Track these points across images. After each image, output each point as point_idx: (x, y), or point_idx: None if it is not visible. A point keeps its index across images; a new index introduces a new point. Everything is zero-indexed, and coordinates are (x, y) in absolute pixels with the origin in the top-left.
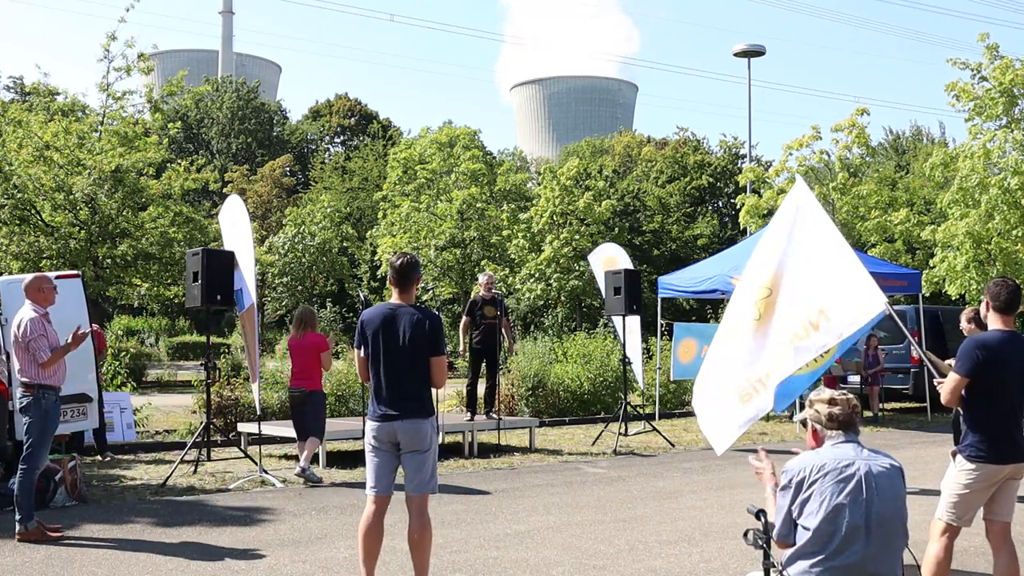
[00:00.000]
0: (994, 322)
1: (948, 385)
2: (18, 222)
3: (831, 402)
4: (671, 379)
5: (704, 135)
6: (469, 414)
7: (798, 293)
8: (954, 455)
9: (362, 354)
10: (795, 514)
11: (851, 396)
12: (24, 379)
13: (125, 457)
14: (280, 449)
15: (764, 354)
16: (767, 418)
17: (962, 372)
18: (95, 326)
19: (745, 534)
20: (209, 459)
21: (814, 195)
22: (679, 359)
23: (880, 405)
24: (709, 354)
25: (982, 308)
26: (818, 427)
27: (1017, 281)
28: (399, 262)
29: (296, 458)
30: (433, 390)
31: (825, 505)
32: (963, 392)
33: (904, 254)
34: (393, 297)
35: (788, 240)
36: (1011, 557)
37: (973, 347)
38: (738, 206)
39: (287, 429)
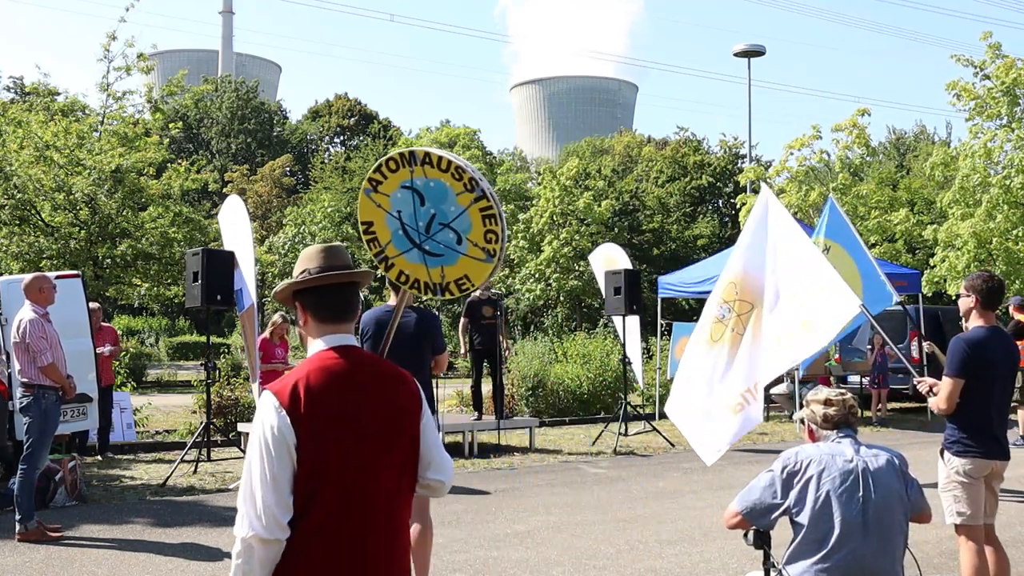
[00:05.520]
0: (978, 319)
1: (945, 391)
2: (18, 222)
3: (827, 403)
4: (668, 377)
5: (704, 135)
6: (476, 413)
7: (781, 302)
8: (942, 452)
9: None
10: (792, 510)
11: (848, 396)
12: (24, 379)
13: (125, 457)
14: None
15: (753, 365)
16: (767, 418)
17: (955, 373)
18: (106, 324)
19: (745, 534)
20: (209, 459)
21: (779, 202)
22: (676, 358)
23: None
24: (683, 365)
25: (963, 302)
26: (814, 427)
27: (1016, 279)
28: None
29: None
30: (435, 391)
31: (822, 501)
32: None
33: (904, 254)
34: (391, 299)
35: (763, 251)
36: (1000, 556)
37: (962, 346)
38: (738, 206)
39: None
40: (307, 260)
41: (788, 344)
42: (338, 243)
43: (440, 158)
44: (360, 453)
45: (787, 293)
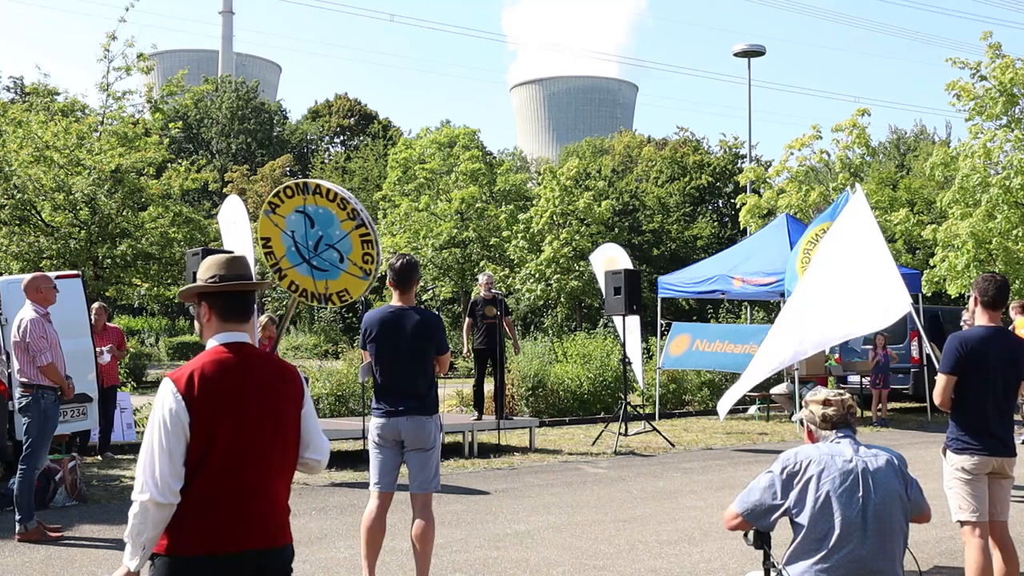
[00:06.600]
0: (980, 318)
1: (937, 386)
2: (18, 222)
3: (825, 403)
4: (658, 367)
5: (704, 135)
6: (477, 413)
7: (828, 290)
8: (944, 451)
9: (369, 356)
10: (792, 510)
11: (847, 396)
12: (23, 379)
13: (125, 457)
14: None
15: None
16: (767, 418)
17: (946, 370)
18: (111, 325)
19: (745, 534)
20: None
21: (868, 206)
22: (670, 351)
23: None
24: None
25: (970, 303)
26: (813, 427)
27: (1016, 279)
28: (398, 264)
29: None
30: (438, 389)
31: (822, 501)
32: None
33: (904, 254)
34: (394, 299)
35: (832, 245)
36: (1010, 555)
37: (955, 344)
38: (738, 206)
39: None
40: (216, 267)
41: (830, 328)
42: (240, 254)
43: (328, 190)
44: (246, 436)
45: (836, 284)
